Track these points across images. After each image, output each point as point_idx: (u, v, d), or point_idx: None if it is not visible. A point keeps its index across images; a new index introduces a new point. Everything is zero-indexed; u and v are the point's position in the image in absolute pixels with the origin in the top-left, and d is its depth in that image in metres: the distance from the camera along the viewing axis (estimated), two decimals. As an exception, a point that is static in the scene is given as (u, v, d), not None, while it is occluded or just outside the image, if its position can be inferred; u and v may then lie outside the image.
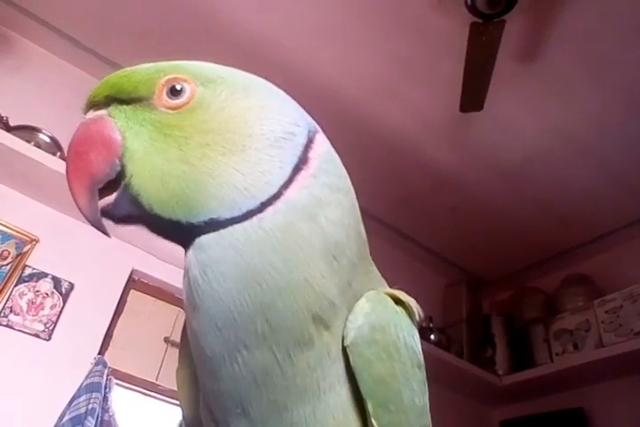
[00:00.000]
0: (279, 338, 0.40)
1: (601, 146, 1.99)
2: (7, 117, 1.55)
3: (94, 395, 1.38)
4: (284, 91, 0.47)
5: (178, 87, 0.42)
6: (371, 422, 0.43)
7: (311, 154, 0.43)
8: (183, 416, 0.54)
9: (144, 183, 0.41)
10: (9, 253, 1.53)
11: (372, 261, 0.51)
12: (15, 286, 1.51)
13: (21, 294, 1.51)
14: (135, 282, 1.76)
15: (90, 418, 1.34)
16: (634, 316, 1.99)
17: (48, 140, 1.59)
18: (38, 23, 1.83)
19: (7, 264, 1.52)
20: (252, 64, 2.24)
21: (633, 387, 2.03)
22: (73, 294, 1.59)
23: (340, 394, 0.43)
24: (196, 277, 0.40)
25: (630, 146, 1.96)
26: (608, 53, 1.69)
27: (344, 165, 0.47)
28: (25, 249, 1.56)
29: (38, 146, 1.54)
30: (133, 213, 0.42)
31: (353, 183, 0.47)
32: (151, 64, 0.45)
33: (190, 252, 0.41)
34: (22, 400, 1.41)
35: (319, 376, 0.42)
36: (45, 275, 1.56)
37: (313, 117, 0.47)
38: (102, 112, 0.43)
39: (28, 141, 1.51)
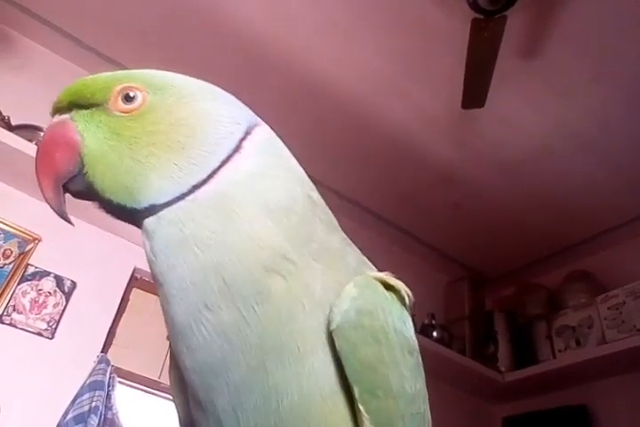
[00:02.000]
0: (237, 293, 0.43)
1: (603, 142, 1.98)
2: (9, 117, 1.55)
3: (97, 393, 1.39)
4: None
5: (131, 94, 0.48)
6: (357, 407, 0.43)
7: (245, 143, 0.48)
8: (179, 417, 0.55)
9: (98, 175, 0.47)
10: (11, 252, 1.54)
11: (349, 240, 0.53)
12: (18, 284, 1.51)
13: (24, 293, 1.51)
14: (137, 280, 1.76)
15: (93, 416, 1.34)
16: (636, 312, 1.98)
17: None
18: (40, 22, 1.83)
19: (10, 263, 1.52)
20: (254, 62, 2.24)
21: (636, 383, 2.03)
22: (75, 293, 1.59)
23: (328, 372, 0.43)
24: (149, 256, 0.46)
25: (632, 141, 1.96)
26: (609, 49, 1.69)
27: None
28: (27, 248, 1.56)
29: (40, 145, 1.54)
30: (87, 192, 0.48)
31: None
32: (109, 73, 0.51)
33: (142, 233, 0.47)
34: (25, 399, 1.41)
35: (295, 332, 0.43)
36: (48, 274, 1.57)
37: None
38: (65, 116, 0.49)
39: (30, 140, 1.51)
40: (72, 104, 0.49)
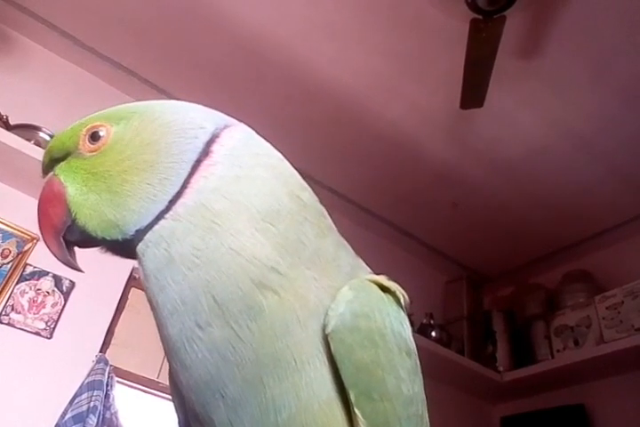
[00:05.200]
0: (228, 310, 0.42)
1: (601, 141, 1.98)
2: (7, 116, 1.55)
3: (96, 393, 1.39)
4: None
5: (97, 133, 0.49)
6: (353, 411, 0.42)
7: (214, 147, 0.47)
8: (178, 419, 0.55)
9: (86, 218, 0.48)
10: (10, 252, 1.53)
11: (344, 241, 0.52)
12: (16, 284, 1.51)
13: (22, 293, 1.51)
14: (136, 280, 1.76)
15: (92, 416, 1.34)
16: (635, 312, 1.99)
17: (48, 138, 1.59)
18: (38, 22, 1.83)
19: (8, 263, 1.52)
20: (252, 61, 2.23)
21: (634, 383, 2.04)
22: (74, 292, 1.59)
23: (324, 379, 0.43)
24: (143, 282, 0.46)
25: (630, 141, 1.96)
26: (608, 49, 1.69)
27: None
28: (26, 247, 1.56)
29: (38, 144, 1.54)
30: (85, 238, 0.49)
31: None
32: (76, 122, 0.52)
33: (137, 264, 0.47)
34: (24, 399, 1.41)
35: (291, 345, 0.42)
36: (46, 273, 1.57)
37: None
38: (50, 174, 0.51)
39: (29, 140, 1.51)
40: (52, 161, 0.51)
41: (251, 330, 0.42)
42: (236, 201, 0.44)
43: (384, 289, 0.48)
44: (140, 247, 0.45)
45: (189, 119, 0.49)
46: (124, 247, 0.47)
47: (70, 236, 0.50)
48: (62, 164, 0.50)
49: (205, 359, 0.42)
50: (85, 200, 0.47)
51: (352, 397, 0.42)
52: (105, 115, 0.51)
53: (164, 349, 0.46)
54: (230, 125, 0.50)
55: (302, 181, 0.50)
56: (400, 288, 0.50)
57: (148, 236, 0.45)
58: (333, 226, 0.51)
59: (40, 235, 0.52)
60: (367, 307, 0.45)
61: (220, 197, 0.44)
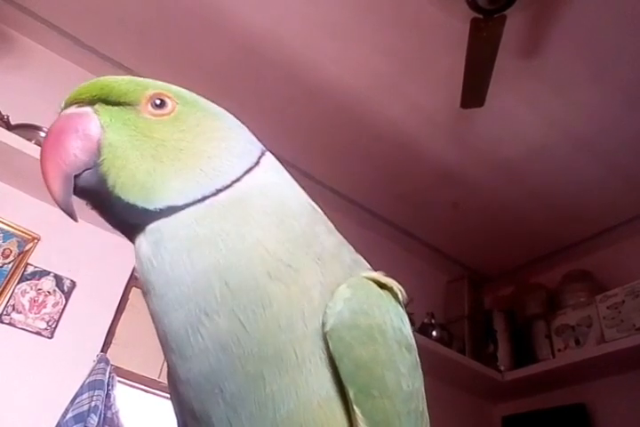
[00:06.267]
0: (239, 299, 0.42)
1: (602, 140, 1.98)
2: (8, 116, 1.55)
3: (97, 392, 1.39)
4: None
5: (162, 101, 0.49)
6: (352, 409, 0.42)
7: (262, 160, 0.52)
8: (176, 419, 0.54)
9: (114, 170, 0.46)
10: (11, 252, 1.54)
11: (345, 240, 0.54)
12: (17, 284, 1.51)
13: (23, 293, 1.51)
14: (137, 279, 1.76)
15: (93, 415, 1.34)
16: (636, 311, 1.99)
17: (49, 138, 1.59)
18: (38, 21, 1.83)
19: (9, 263, 1.52)
20: (252, 61, 2.23)
21: (635, 382, 2.03)
22: (75, 292, 1.59)
23: (324, 377, 0.43)
24: (145, 263, 0.45)
25: (631, 141, 1.96)
26: (608, 48, 1.69)
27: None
28: (27, 247, 1.56)
29: (39, 144, 1.54)
30: (96, 188, 0.46)
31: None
32: (142, 78, 0.52)
33: (141, 237, 0.46)
34: (25, 398, 1.41)
35: (293, 340, 0.43)
36: (47, 273, 1.57)
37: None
38: (87, 108, 0.49)
39: (29, 140, 1.51)
40: (97, 98, 0.49)
41: (257, 322, 0.42)
42: (274, 199, 0.48)
43: (382, 286, 0.48)
44: (161, 223, 0.45)
45: (246, 135, 0.54)
46: (131, 215, 0.46)
47: (80, 180, 0.46)
48: (111, 108, 0.49)
49: (207, 351, 0.42)
50: (124, 153, 0.46)
51: (351, 394, 0.42)
52: (173, 90, 0.51)
53: (162, 341, 0.45)
54: (267, 151, 0.54)
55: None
56: (397, 284, 0.50)
57: (180, 214, 0.45)
58: (334, 227, 0.54)
59: (43, 166, 0.45)
60: (366, 304, 0.45)
61: (262, 194, 0.48)
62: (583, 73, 1.77)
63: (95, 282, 1.63)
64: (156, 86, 0.51)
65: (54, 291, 1.56)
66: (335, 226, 0.54)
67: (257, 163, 0.50)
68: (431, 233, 2.55)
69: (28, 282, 1.53)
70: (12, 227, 1.55)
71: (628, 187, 2.14)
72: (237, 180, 0.48)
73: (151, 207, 0.45)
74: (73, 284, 1.59)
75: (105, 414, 1.39)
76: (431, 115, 1.99)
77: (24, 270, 1.54)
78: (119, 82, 0.50)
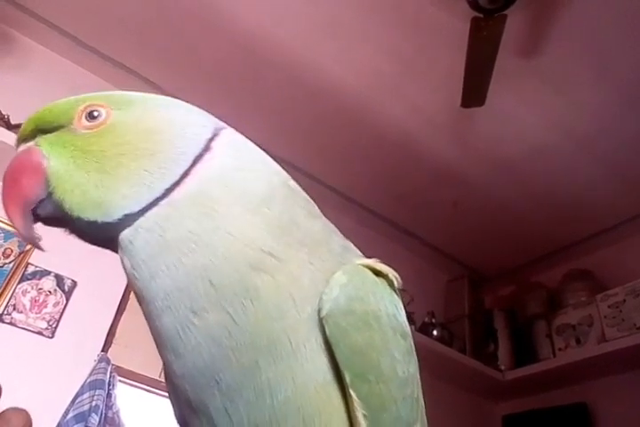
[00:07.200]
0: (225, 295, 0.42)
1: (602, 140, 1.98)
2: (8, 115, 1.55)
3: (98, 392, 1.39)
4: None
5: (95, 113, 0.48)
6: (349, 393, 0.43)
7: (214, 143, 0.48)
8: (175, 414, 0.55)
9: (66, 194, 0.46)
10: (11, 251, 1.54)
11: (333, 226, 0.53)
12: (18, 283, 1.51)
13: (24, 292, 1.51)
14: (138, 279, 1.76)
15: (93, 415, 1.34)
16: (637, 310, 1.99)
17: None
18: (39, 21, 1.83)
19: (10, 262, 1.53)
20: (252, 60, 2.23)
21: (636, 382, 2.03)
22: (76, 292, 1.59)
23: (320, 362, 0.43)
24: (130, 273, 0.44)
25: (631, 141, 1.96)
26: (609, 48, 1.69)
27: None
28: (27, 247, 1.56)
29: (39, 144, 1.54)
30: (57, 215, 0.47)
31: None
32: (72, 97, 0.51)
33: (120, 251, 0.45)
34: (25, 398, 1.41)
35: (286, 327, 0.43)
36: (48, 273, 1.57)
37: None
38: (30, 143, 0.49)
39: (30, 139, 1.50)
40: (36, 131, 0.49)
41: (246, 313, 0.42)
42: (234, 188, 0.46)
43: (377, 273, 0.48)
44: (127, 233, 0.44)
45: (194, 116, 0.50)
46: (99, 231, 0.46)
47: (40, 210, 0.48)
48: (49, 135, 0.49)
49: (199, 346, 0.42)
50: (69, 175, 0.46)
51: (347, 379, 0.43)
52: (105, 97, 0.50)
53: (156, 341, 0.45)
54: (226, 127, 0.51)
55: (288, 175, 0.52)
56: (392, 271, 0.50)
57: (140, 221, 0.44)
58: (319, 212, 0.52)
59: (4, 205, 0.47)
60: (362, 291, 0.45)
61: (220, 184, 0.46)
62: (583, 73, 1.77)
63: (96, 282, 1.63)
64: (86, 99, 0.49)
65: (55, 290, 1.56)
66: (335, 226, 0.52)
67: (207, 148, 0.47)
68: (431, 232, 2.55)
69: (29, 282, 1.53)
70: (13, 226, 1.55)
71: (628, 186, 2.14)
72: (186, 173, 0.45)
73: (110, 220, 0.45)
74: (74, 283, 1.60)
75: (106, 414, 1.39)
76: (431, 114, 1.99)
77: (25, 270, 1.54)
78: (52, 107, 0.50)
